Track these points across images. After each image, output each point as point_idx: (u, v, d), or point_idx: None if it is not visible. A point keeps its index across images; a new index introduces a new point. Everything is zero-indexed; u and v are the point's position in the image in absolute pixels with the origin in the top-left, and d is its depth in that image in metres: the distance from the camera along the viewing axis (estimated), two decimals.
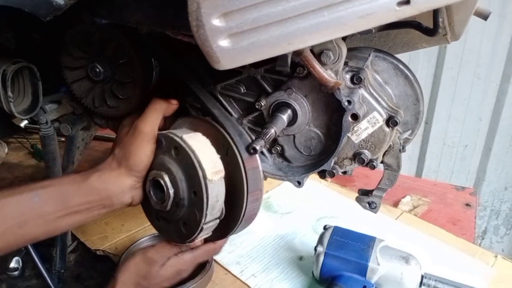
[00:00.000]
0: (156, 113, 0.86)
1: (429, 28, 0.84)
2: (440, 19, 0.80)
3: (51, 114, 1.14)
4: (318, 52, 0.82)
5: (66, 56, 1.05)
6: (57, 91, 1.18)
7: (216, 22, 0.53)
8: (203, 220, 0.80)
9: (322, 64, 0.82)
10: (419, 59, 2.55)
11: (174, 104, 0.89)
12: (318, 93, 0.92)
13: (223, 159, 0.81)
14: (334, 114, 0.93)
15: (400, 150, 1.01)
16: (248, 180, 0.83)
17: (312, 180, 0.99)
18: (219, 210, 0.82)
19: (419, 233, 1.38)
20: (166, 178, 0.81)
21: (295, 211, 1.50)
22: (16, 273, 1.27)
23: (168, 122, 0.92)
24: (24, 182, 1.89)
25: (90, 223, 1.45)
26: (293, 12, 0.53)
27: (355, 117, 0.87)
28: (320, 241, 1.17)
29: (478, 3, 1.15)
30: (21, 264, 1.28)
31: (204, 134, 0.82)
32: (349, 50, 1.01)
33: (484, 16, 1.19)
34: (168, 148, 0.80)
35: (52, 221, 0.79)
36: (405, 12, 0.52)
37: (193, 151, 0.77)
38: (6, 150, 1.20)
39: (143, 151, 0.83)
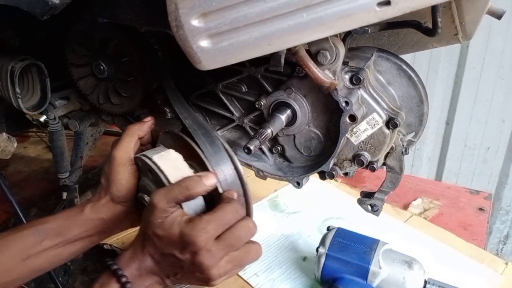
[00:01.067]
0: (128, 137, 0.85)
1: (429, 28, 0.81)
2: (439, 19, 0.77)
3: (59, 110, 1.17)
4: (315, 52, 0.81)
5: (71, 54, 1.07)
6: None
7: (195, 22, 0.53)
8: None
9: (319, 64, 0.81)
10: (440, 59, 2.49)
11: (147, 122, 0.88)
12: (317, 93, 0.91)
13: (201, 170, 0.78)
14: (333, 115, 0.92)
15: (402, 152, 0.99)
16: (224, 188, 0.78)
17: (322, 180, 0.98)
18: None
19: (427, 237, 1.35)
20: (148, 200, 0.80)
21: (302, 211, 1.49)
22: None
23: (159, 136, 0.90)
24: (41, 175, 1.95)
25: None
26: (271, 13, 0.52)
27: (353, 118, 0.86)
28: (323, 242, 1.16)
29: (491, 2, 1.12)
30: None
31: (179, 147, 0.81)
32: (351, 49, 0.99)
33: (498, 15, 1.15)
34: (144, 170, 0.81)
35: (54, 252, 0.83)
36: (386, 13, 0.51)
37: (162, 172, 0.76)
38: (15, 145, 1.23)
39: (120, 176, 0.83)
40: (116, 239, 1.38)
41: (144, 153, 0.80)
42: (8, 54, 1.05)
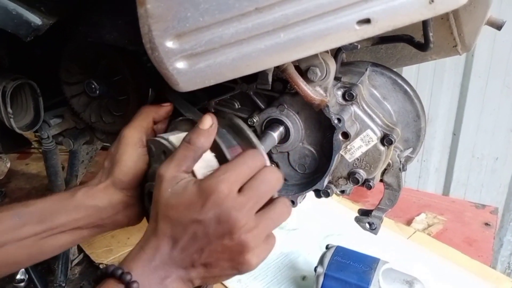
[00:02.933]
0: (141, 117, 0.78)
1: (421, 42, 0.79)
2: (431, 33, 0.75)
3: (53, 129, 1.16)
4: (305, 68, 0.79)
5: (64, 71, 1.06)
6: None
7: (170, 44, 0.52)
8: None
9: (309, 81, 0.79)
10: (445, 68, 2.45)
11: (165, 106, 0.80)
12: (310, 110, 0.89)
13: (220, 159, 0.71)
14: (326, 132, 0.90)
15: (400, 169, 0.96)
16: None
17: (317, 198, 0.96)
18: None
19: (430, 254, 1.31)
20: None
21: (303, 227, 1.46)
22: (22, 284, 1.29)
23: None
24: (41, 192, 1.94)
25: (97, 236, 1.47)
26: (247, 33, 0.50)
27: (346, 135, 0.84)
28: (321, 261, 1.13)
29: (491, 12, 1.09)
30: (27, 276, 1.30)
31: None
32: (345, 64, 0.97)
33: (497, 26, 1.13)
34: (158, 154, 0.73)
35: (34, 242, 0.70)
36: (367, 32, 0.49)
37: None
38: (8, 165, 1.22)
39: (127, 157, 0.73)
40: (113, 258, 1.37)
41: (159, 135, 0.73)
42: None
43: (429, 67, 2.46)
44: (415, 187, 2.53)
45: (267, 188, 0.60)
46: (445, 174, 2.72)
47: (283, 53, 0.52)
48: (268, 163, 0.65)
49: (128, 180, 0.74)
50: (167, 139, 0.70)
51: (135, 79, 0.98)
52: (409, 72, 2.35)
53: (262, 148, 0.71)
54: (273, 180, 0.61)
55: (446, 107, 2.54)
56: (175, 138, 0.70)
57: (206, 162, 0.66)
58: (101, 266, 1.33)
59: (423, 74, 2.42)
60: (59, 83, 1.09)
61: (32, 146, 2.02)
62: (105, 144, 1.70)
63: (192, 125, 0.72)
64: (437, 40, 1.05)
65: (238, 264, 0.58)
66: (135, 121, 0.77)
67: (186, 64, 0.53)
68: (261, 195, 0.60)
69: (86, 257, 1.37)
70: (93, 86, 1.02)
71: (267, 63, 0.53)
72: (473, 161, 2.62)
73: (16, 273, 1.30)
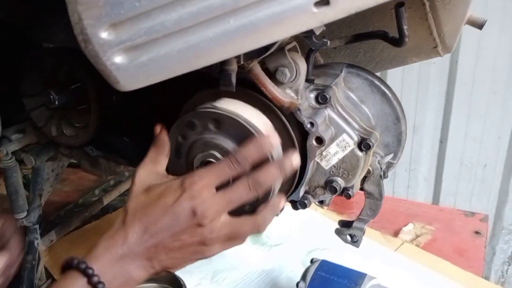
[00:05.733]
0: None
1: (396, 38, 0.74)
2: (405, 27, 0.70)
3: (13, 144, 1.08)
4: (273, 69, 0.74)
5: (23, 83, 1.00)
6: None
7: (105, 35, 0.45)
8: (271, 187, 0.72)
9: (278, 83, 0.74)
10: (430, 76, 2.42)
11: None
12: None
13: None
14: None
15: (381, 176, 0.90)
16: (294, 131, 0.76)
17: (294, 210, 0.89)
18: None
19: (420, 266, 1.24)
20: (218, 154, 0.71)
21: (285, 242, 1.38)
22: None
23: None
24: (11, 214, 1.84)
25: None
26: (192, 20, 0.44)
27: (320, 140, 0.77)
28: (304, 277, 1.06)
29: (471, 11, 1.05)
30: None
31: None
32: (319, 66, 0.92)
33: (479, 25, 1.09)
34: (204, 124, 0.72)
35: None
36: (326, 15, 0.43)
37: (236, 115, 0.70)
38: None
39: None
40: None
41: (199, 107, 0.74)
42: None
43: (413, 75, 2.43)
44: (405, 197, 2.48)
45: (236, 199, 0.66)
46: (434, 183, 2.67)
47: (236, 42, 0.46)
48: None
49: None
50: (215, 106, 0.71)
51: (95, 86, 0.91)
52: (393, 80, 2.31)
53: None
54: (244, 192, 0.66)
55: (433, 115, 2.50)
56: (224, 103, 0.72)
57: None
58: None
59: (408, 82, 2.39)
60: (20, 96, 1.02)
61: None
62: (72, 161, 1.63)
63: (216, 95, 0.74)
64: (417, 41, 1.01)
65: (199, 253, 0.65)
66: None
67: (125, 58, 0.47)
68: (230, 202, 0.66)
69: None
70: (51, 96, 0.95)
71: (219, 55, 0.47)
72: (462, 169, 2.58)
73: None
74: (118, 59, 0.46)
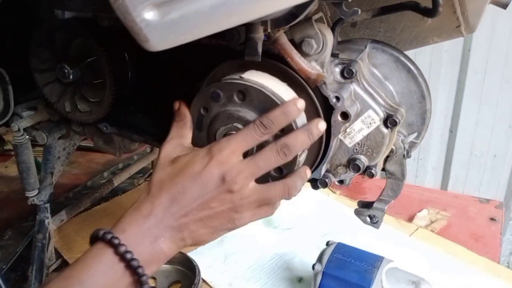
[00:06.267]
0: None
1: (428, 8, 0.71)
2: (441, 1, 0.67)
3: (24, 121, 1.06)
4: (299, 40, 0.71)
5: (34, 58, 0.97)
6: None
7: None
8: (298, 153, 0.70)
9: (304, 54, 0.71)
10: (442, 63, 2.39)
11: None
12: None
13: None
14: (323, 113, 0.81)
15: (404, 155, 0.87)
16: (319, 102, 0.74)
17: (319, 192, 0.87)
18: None
19: (436, 251, 1.22)
20: (242, 127, 0.70)
21: (298, 226, 1.37)
22: None
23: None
24: (21, 195, 1.83)
25: (77, 239, 1.37)
26: None
27: (346, 116, 0.75)
28: (320, 259, 1.04)
29: None
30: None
31: None
32: (343, 42, 0.89)
33: (503, 4, 1.05)
34: (229, 96, 0.70)
35: None
36: None
37: (262, 86, 0.68)
38: None
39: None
40: None
41: (223, 78, 0.72)
42: None
43: (425, 62, 2.39)
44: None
45: (264, 164, 0.64)
46: (442, 172, 2.65)
47: None
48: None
49: None
50: (241, 78, 0.69)
51: (111, 60, 0.89)
52: None
53: None
54: (272, 157, 0.64)
55: (443, 103, 2.47)
56: (248, 74, 0.70)
57: None
58: None
59: None
60: (31, 73, 0.99)
61: (12, 148, 1.92)
62: (81, 144, 1.61)
63: (241, 67, 0.72)
64: (439, 21, 0.98)
65: (230, 222, 0.63)
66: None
67: (156, 14, 0.44)
68: (258, 168, 0.64)
69: (65, 263, 1.27)
70: (65, 70, 0.92)
71: (255, 11, 0.44)
72: (471, 159, 2.55)
73: None
74: (149, 15, 0.44)
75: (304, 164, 0.78)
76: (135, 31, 0.45)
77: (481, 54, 2.29)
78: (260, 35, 0.64)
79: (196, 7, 0.43)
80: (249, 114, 0.69)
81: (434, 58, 2.36)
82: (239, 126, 0.69)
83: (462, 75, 2.39)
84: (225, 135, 0.70)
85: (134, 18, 0.44)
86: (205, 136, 0.74)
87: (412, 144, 0.92)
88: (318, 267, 1.02)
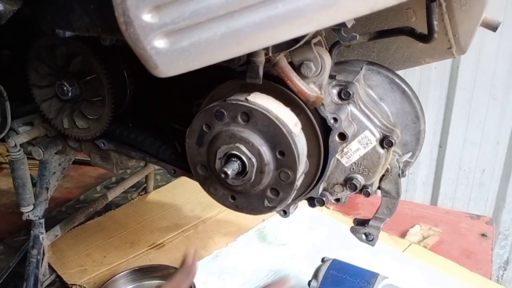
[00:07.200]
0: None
1: (423, 34, 0.73)
2: (435, 22, 0.69)
3: (21, 136, 1.06)
4: (298, 63, 0.73)
5: (33, 73, 0.98)
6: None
7: (147, 17, 0.44)
8: (297, 177, 0.73)
9: (303, 76, 0.73)
10: (431, 80, 2.43)
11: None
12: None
13: None
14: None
15: (399, 174, 0.89)
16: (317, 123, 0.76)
17: (311, 207, 0.88)
18: (305, 163, 0.77)
19: (429, 267, 1.24)
20: (244, 148, 0.71)
21: (292, 242, 1.37)
22: None
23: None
24: (11, 209, 1.82)
25: (70, 254, 1.36)
26: (239, 4, 0.43)
27: (343, 136, 0.77)
28: (315, 275, 1.05)
29: (485, 13, 1.05)
30: None
31: None
32: (339, 63, 0.91)
33: (493, 27, 1.09)
34: (233, 116, 0.71)
35: None
36: (377, 2, 0.42)
37: (267, 110, 0.70)
38: None
39: None
40: (87, 279, 1.26)
41: (229, 98, 0.73)
42: None
43: (414, 79, 2.43)
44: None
45: None
46: (432, 187, 2.67)
47: (281, 28, 0.44)
48: None
49: None
50: (246, 100, 0.70)
51: (110, 78, 0.90)
52: None
53: None
54: None
55: (432, 120, 2.50)
56: (254, 97, 0.71)
57: None
58: None
59: None
60: (29, 87, 1.00)
61: (4, 161, 1.90)
62: (84, 158, 1.60)
63: (243, 87, 0.73)
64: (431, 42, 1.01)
65: None
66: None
67: (166, 42, 0.45)
68: None
69: (59, 278, 1.26)
70: (65, 88, 0.93)
71: (262, 41, 0.46)
72: (460, 174, 2.58)
73: None
74: (159, 43, 0.45)
75: (301, 184, 0.79)
76: (144, 58, 0.46)
77: (469, 72, 2.33)
78: (261, 59, 0.65)
79: (207, 35, 0.44)
80: (252, 137, 0.70)
81: (423, 75, 2.39)
82: (242, 147, 0.70)
83: (450, 92, 2.43)
84: (226, 154, 0.72)
85: (144, 46, 0.45)
86: (205, 152, 0.76)
87: (407, 164, 0.94)
88: (314, 284, 1.02)
